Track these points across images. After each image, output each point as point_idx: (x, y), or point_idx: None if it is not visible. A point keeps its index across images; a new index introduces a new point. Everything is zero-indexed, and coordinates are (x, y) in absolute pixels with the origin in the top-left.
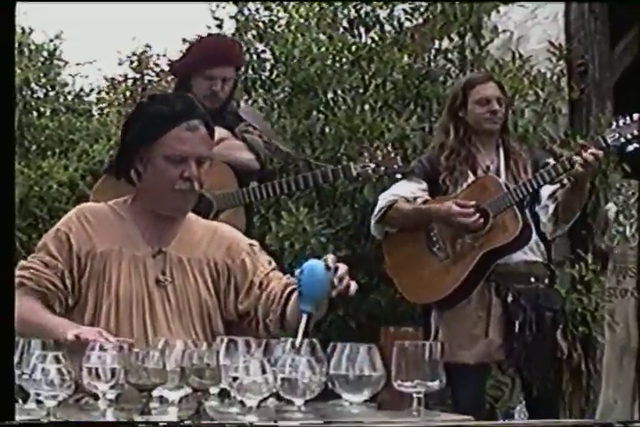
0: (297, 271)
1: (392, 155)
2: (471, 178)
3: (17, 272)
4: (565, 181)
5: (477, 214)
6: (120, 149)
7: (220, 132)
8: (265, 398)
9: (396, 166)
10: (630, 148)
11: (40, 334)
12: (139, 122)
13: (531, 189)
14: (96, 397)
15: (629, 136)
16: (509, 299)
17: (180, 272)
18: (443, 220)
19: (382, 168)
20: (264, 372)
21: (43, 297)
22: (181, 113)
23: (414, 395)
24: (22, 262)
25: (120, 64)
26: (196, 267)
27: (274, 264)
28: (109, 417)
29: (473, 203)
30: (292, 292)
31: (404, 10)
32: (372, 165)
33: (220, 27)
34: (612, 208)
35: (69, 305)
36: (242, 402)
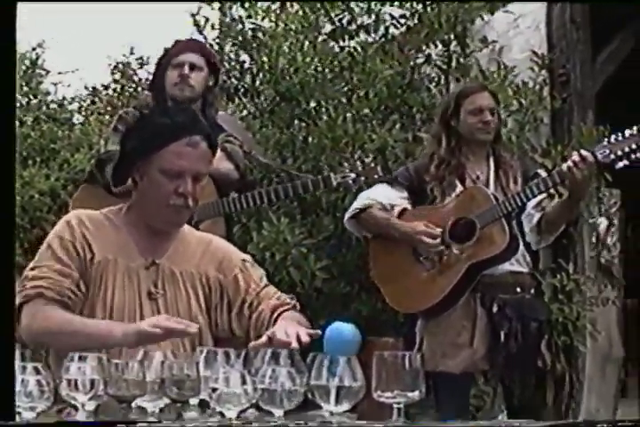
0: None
1: (372, 165)
2: (459, 188)
3: (29, 283)
4: (552, 191)
5: (439, 240)
6: (118, 159)
7: None
8: (244, 409)
9: (376, 176)
10: (620, 164)
11: (87, 341)
12: (139, 133)
13: (520, 203)
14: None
15: (620, 153)
16: (494, 309)
17: (172, 285)
18: (408, 238)
19: (362, 178)
20: (244, 383)
21: (63, 306)
22: (183, 127)
23: (394, 405)
24: (32, 273)
25: (105, 72)
26: (188, 280)
27: (265, 280)
28: None
29: (440, 230)
30: (279, 315)
31: (390, 15)
32: (353, 175)
33: (201, 33)
34: (603, 222)
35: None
36: (221, 413)
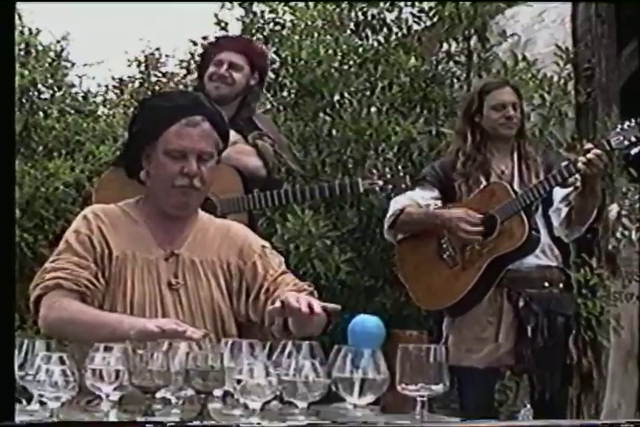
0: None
1: (401, 174)
2: (484, 184)
3: (47, 275)
4: (578, 183)
5: (481, 227)
6: (126, 149)
7: (231, 135)
8: (268, 401)
9: (403, 186)
10: (635, 150)
11: (96, 332)
12: (142, 119)
13: (538, 195)
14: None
15: (633, 139)
16: (521, 304)
17: (193, 275)
18: (448, 222)
19: (390, 186)
20: (268, 374)
21: (81, 297)
22: (182, 108)
23: (418, 398)
24: (50, 265)
25: (128, 66)
26: (208, 269)
27: (284, 267)
28: (112, 419)
29: (480, 216)
30: None
31: (411, 13)
32: (380, 183)
33: (225, 29)
34: (613, 209)
35: (100, 305)
36: (245, 405)
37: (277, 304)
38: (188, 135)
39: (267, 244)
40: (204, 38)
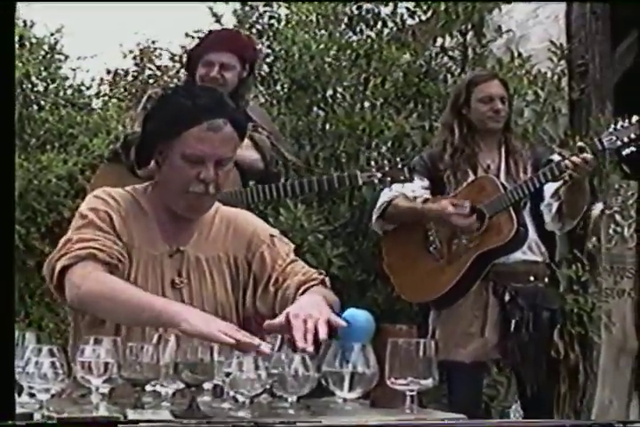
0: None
1: (399, 166)
2: (471, 177)
3: (75, 245)
4: (568, 178)
5: (473, 215)
6: (140, 139)
7: None
8: (258, 395)
9: (402, 178)
10: (627, 151)
11: (137, 313)
12: (161, 114)
13: (527, 191)
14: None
15: (626, 139)
16: (506, 298)
17: (197, 273)
18: (438, 219)
19: (389, 178)
20: (257, 368)
21: (110, 272)
22: (205, 110)
23: (407, 393)
24: (76, 236)
25: (124, 58)
26: (214, 266)
27: (293, 255)
28: (102, 411)
29: (468, 203)
30: (305, 291)
31: (406, 8)
32: (379, 175)
33: (219, 22)
34: (597, 207)
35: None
36: (234, 398)
37: (282, 318)
38: (208, 140)
39: (276, 232)
40: (198, 31)
